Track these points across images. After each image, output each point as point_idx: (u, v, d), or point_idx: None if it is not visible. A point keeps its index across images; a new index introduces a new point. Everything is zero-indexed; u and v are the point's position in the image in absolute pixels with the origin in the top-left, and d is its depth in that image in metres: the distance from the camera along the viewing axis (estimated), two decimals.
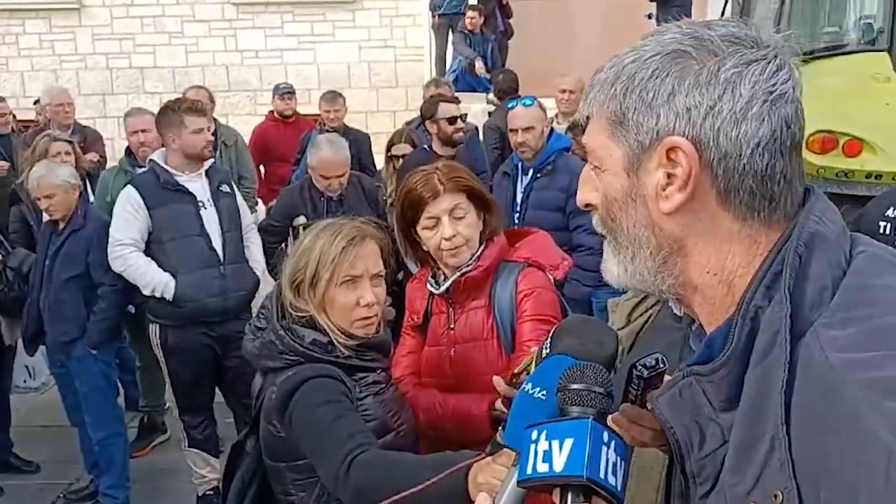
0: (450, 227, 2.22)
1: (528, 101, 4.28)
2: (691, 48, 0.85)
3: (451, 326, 2.31)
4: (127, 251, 3.79)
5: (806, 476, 0.75)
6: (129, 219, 3.79)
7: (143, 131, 4.65)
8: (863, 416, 0.71)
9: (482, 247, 2.29)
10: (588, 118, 0.93)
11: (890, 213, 2.56)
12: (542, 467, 0.90)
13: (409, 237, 2.33)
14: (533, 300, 2.24)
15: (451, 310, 2.32)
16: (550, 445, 0.90)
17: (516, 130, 4.17)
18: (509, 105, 4.45)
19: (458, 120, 4.83)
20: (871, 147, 5.00)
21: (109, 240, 3.82)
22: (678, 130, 0.84)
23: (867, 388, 0.72)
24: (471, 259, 2.26)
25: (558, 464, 0.89)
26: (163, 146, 4.01)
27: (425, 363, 2.36)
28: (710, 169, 0.84)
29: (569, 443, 0.89)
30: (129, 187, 3.88)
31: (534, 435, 0.92)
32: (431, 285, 2.34)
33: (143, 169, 4.53)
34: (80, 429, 4.29)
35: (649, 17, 9.09)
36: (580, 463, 0.88)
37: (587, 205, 0.96)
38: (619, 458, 0.91)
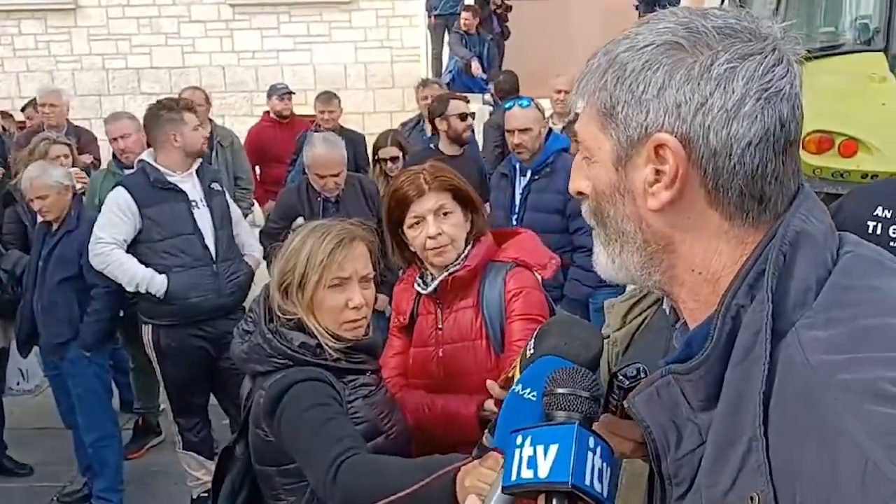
0: (434, 225, 2.21)
1: (524, 103, 4.25)
2: (684, 40, 0.82)
3: (439, 327, 2.31)
4: (108, 248, 3.76)
5: (783, 479, 0.74)
6: (115, 220, 3.77)
7: (122, 137, 4.62)
8: (841, 420, 0.70)
9: (469, 247, 2.28)
10: (580, 107, 0.91)
11: (880, 212, 2.53)
12: (527, 473, 0.88)
13: (395, 237, 2.32)
14: (522, 299, 2.24)
15: (438, 310, 2.31)
16: (535, 451, 0.88)
17: (513, 132, 4.14)
18: (506, 106, 4.43)
19: (469, 117, 4.83)
20: (866, 147, 5.01)
21: (91, 237, 3.80)
22: (667, 127, 0.82)
23: (846, 391, 0.71)
24: (457, 259, 2.26)
25: (543, 470, 0.87)
26: (149, 146, 4.01)
27: (412, 364, 2.35)
28: (699, 167, 0.82)
29: (554, 448, 0.88)
30: (120, 188, 3.84)
31: (518, 440, 0.91)
32: (419, 285, 2.33)
33: (132, 170, 4.54)
34: (74, 431, 4.27)
35: (637, 7, 9.15)
36: (565, 469, 0.86)
37: (579, 193, 0.94)
38: (605, 464, 0.89)
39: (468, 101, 5.16)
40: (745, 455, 0.77)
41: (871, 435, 0.68)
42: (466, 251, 2.27)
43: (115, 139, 4.66)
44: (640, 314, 1.62)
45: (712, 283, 0.86)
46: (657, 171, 0.83)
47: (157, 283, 3.75)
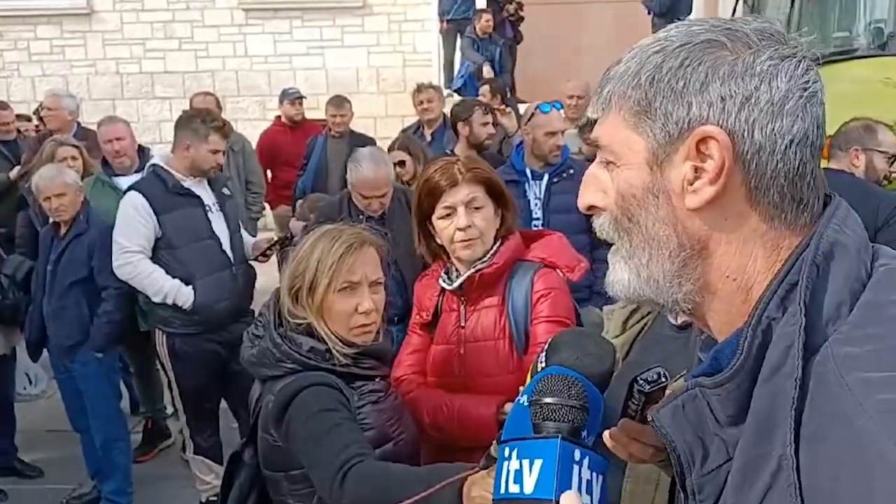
0: (465, 217, 2.18)
1: (559, 105, 4.23)
2: (725, 38, 0.82)
3: (462, 325, 2.27)
4: (136, 258, 3.72)
5: (814, 500, 0.71)
6: (136, 225, 3.71)
7: (117, 140, 4.60)
8: (877, 441, 0.68)
9: (497, 244, 2.25)
10: (600, 113, 0.88)
11: None
12: (514, 488, 0.88)
13: (423, 228, 2.30)
14: (549, 301, 2.21)
15: (462, 307, 2.28)
16: (521, 465, 0.88)
17: (556, 133, 4.05)
18: (544, 108, 4.33)
19: (491, 125, 4.80)
20: None
21: (114, 246, 3.76)
22: (711, 120, 0.80)
23: (883, 411, 0.69)
24: (485, 256, 2.23)
25: (528, 485, 0.87)
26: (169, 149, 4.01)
27: (433, 362, 2.32)
28: (742, 164, 0.80)
29: (538, 463, 0.87)
30: (135, 193, 3.77)
31: (506, 452, 0.90)
32: (444, 281, 2.30)
33: (119, 177, 4.54)
34: (83, 434, 4.28)
35: (649, 12, 9.13)
36: (549, 486, 0.85)
37: (590, 207, 0.91)
38: (594, 474, 0.88)
39: (491, 109, 5.16)
40: (775, 473, 0.74)
41: None
42: (494, 248, 2.24)
43: (110, 141, 4.61)
44: (640, 320, 1.61)
45: (745, 290, 0.83)
46: (696, 169, 0.82)
47: (184, 294, 3.73)
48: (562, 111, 4.23)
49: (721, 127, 0.80)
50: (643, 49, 0.85)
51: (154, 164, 3.89)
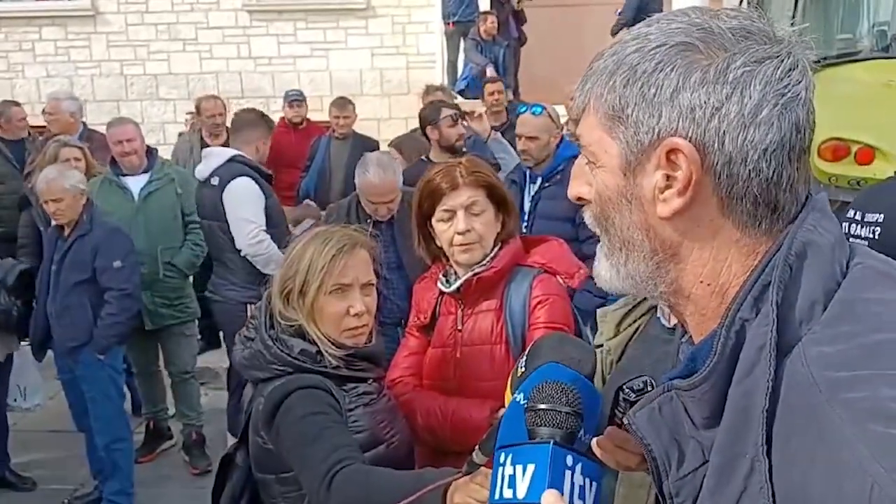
0: (465, 221, 2.18)
1: (537, 110, 4.19)
2: (699, 41, 0.79)
3: (459, 328, 2.27)
4: (267, 238, 4.09)
5: (786, 502, 0.71)
6: (258, 206, 4.12)
7: (128, 141, 4.63)
8: (845, 441, 0.67)
9: (497, 248, 2.25)
10: (583, 109, 0.87)
11: (851, 213, 2.52)
12: (508, 493, 0.88)
13: (423, 230, 2.29)
14: (548, 307, 2.20)
15: (460, 311, 2.28)
16: (515, 470, 0.88)
17: (520, 137, 4.14)
18: (519, 110, 4.39)
19: (460, 125, 4.80)
20: (883, 155, 4.93)
21: (246, 226, 4.07)
22: (681, 131, 0.78)
23: (851, 410, 0.68)
24: (484, 259, 2.23)
25: (521, 490, 0.87)
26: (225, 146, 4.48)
27: (429, 364, 2.32)
28: (713, 174, 0.79)
29: (531, 469, 0.87)
30: (247, 179, 4.13)
31: (501, 458, 0.91)
32: (442, 283, 2.29)
33: (127, 177, 4.61)
34: (86, 434, 4.29)
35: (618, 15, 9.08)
36: (541, 490, 0.86)
37: (579, 198, 0.90)
38: (587, 480, 0.88)
39: (460, 109, 5.11)
40: (748, 476, 0.74)
41: (876, 456, 0.65)
42: (494, 252, 2.24)
43: (120, 142, 4.64)
44: (633, 322, 1.61)
45: (720, 294, 0.82)
46: (668, 177, 0.80)
47: None
48: (542, 114, 4.19)
49: (689, 138, 0.79)
50: (623, 45, 0.84)
51: (240, 156, 4.21)
